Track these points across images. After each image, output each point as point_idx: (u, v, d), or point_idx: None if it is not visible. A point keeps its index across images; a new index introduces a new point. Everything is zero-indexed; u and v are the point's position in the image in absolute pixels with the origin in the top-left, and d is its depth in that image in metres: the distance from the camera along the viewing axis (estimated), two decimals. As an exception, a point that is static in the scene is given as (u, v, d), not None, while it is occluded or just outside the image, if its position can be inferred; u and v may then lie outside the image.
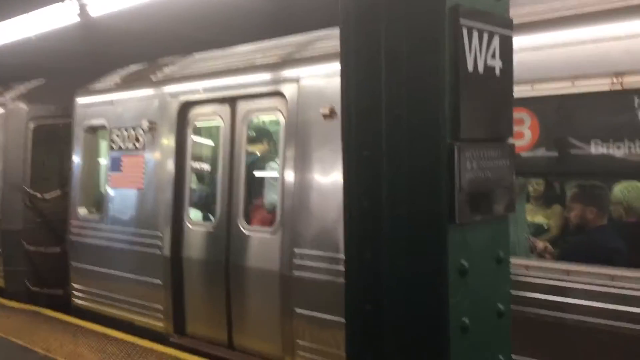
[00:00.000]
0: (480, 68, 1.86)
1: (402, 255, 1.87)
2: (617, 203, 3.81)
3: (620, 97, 3.24)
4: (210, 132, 6.22)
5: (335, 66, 4.53)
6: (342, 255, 3.79)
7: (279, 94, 5.09)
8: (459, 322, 1.83)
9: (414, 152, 1.83)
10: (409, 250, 1.84)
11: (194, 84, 5.93)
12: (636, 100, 3.21)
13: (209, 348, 5.49)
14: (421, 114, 1.81)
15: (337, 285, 4.22)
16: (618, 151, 3.32)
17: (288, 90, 5.00)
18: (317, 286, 4.59)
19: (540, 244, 3.88)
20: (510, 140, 2.01)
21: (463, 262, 1.83)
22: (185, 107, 5.91)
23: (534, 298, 3.29)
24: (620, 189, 3.85)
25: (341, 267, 4.22)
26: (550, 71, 3.38)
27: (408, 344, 1.88)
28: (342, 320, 2.04)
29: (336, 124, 4.45)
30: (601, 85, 3.26)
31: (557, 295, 3.25)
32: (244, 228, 5.34)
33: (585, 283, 3.20)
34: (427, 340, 1.84)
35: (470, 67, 1.82)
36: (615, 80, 3.22)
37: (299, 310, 4.72)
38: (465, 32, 1.80)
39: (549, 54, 3.40)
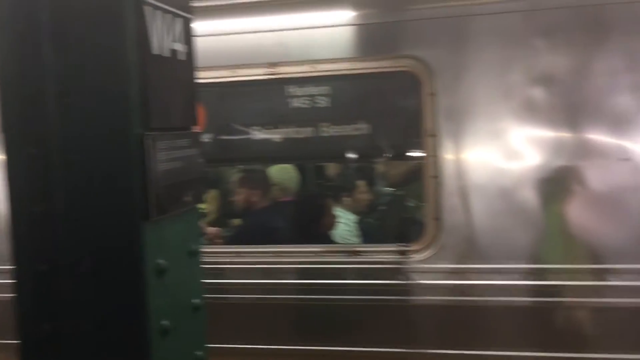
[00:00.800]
0: (166, 52, 1.74)
1: (89, 264, 1.64)
2: (275, 185, 4.13)
3: (274, 86, 3.50)
4: None
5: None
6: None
7: None
8: (158, 326, 1.70)
9: (97, 146, 1.61)
10: (98, 257, 1.62)
11: None
12: (287, 88, 3.51)
13: None
14: (104, 102, 1.59)
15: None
16: (274, 136, 3.58)
17: None
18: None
19: (211, 230, 3.96)
20: (196, 128, 1.95)
21: (160, 261, 1.70)
22: None
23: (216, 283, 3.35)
24: (275, 171, 4.18)
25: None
26: (213, 59, 3.43)
27: (102, 360, 1.67)
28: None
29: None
30: (258, 74, 3.45)
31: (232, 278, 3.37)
32: None
33: (257, 263, 3.38)
34: (125, 352, 1.67)
35: (155, 51, 1.68)
36: (269, 69, 3.45)
37: None
38: (148, 10, 1.64)
39: (211, 41, 3.44)
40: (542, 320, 3.22)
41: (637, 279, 3.08)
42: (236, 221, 4.54)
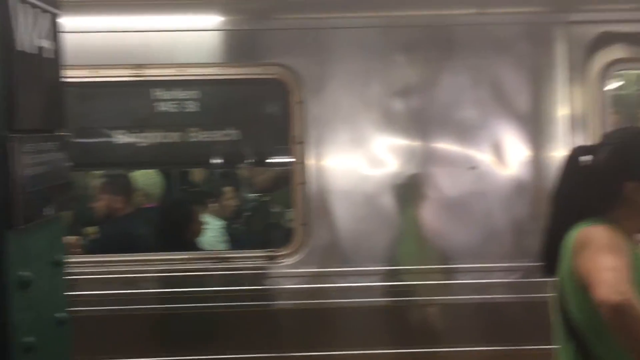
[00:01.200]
0: (31, 49, 1.62)
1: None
2: (138, 190, 3.97)
3: (140, 88, 3.37)
4: None
5: None
6: None
7: None
8: (23, 343, 1.58)
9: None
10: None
11: None
12: (154, 92, 3.41)
13: None
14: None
15: None
16: (139, 140, 3.45)
17: None
18: None
19: (70, 239, 3.71)
20: (64, 131, 1.84)
21: (24, 272, 1.58)
22: None
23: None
24: (138, 177, 4.02)
25: None
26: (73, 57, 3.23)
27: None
28: None
29: None
30: (122, 75, 3.31)
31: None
32: None
33: (120, 272, 3.24)
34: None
35: (20, 47, 1.56)
36: (134, 71, 3.33)
37: None
38: (13, 3, 1.53)
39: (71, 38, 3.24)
40: (400, 319, 3.42)
41: (482, 277, 3.38)
42: (91, 229, 4.31)
